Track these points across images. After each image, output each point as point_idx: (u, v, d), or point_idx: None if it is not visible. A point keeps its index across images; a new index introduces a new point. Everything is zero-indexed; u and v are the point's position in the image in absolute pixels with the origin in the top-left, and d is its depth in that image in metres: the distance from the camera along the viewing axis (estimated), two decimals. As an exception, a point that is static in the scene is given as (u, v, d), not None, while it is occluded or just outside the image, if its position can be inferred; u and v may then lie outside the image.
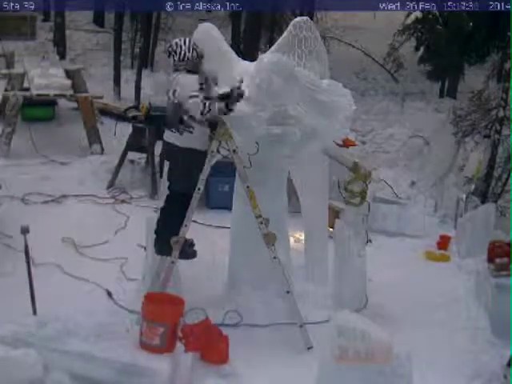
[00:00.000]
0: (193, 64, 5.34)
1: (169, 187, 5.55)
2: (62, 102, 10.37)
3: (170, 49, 5.39)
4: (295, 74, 5.47)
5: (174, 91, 5.24)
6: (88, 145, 9.36)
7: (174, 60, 5.36)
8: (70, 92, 9.50)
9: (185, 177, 5.29)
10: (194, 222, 6.01)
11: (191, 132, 5.31)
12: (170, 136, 5.43)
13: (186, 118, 5.27)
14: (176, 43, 5.37)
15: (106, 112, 10.49)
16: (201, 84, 5.21)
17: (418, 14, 11.98)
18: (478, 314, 5.90)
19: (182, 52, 5.32)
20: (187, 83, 5.18)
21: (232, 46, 6.23)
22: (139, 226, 6.19)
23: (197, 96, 5.08)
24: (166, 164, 5.64)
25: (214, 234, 7.07)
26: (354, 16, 17.60)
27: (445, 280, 6.67)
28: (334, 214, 6.74)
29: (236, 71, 5.77)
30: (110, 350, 4.34)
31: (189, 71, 5.30)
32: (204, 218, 7.25)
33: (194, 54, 5.36)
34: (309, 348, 5.20)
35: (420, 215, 8.04)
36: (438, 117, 11.45)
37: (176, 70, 5.35)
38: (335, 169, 6.79)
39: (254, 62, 5.69)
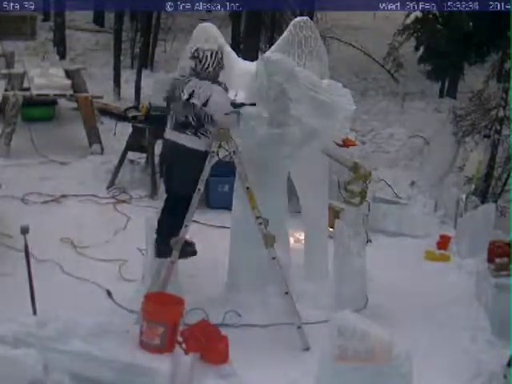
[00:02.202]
0: (213, 75, 5.42)
1: (171, 189, 5.54)
2: (61, 102, 10.38)
3: (195, 54, 5.41)
4: (295, 73, 5.47)
5: (207, 100, 5.26)
6: (88, 145, 9.36)
7: (196, 66, 5.39)
8: (70, 92, 9.51)
9: (197, 179, 5.29)
10: (195, 221, 6.03)
11: (208, 137, 5.34)
12: (183, 138, 5.40)
13: (206, 123, 5.33)
14: (204, 54, 5.38)
15: (106, 112, 10.49)
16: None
17: (418, 13, 11.98)
18: (478, 314, 5.89)
19: (207, 64, 5.37)
20: (224, 97, 5.31)
21: (232, 46, 6.23)
22: (139, 226, 6.20)
23: (237, 112, 5.27)
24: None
25: (215, 234, 7.07)
26: (353, 16, 17.62)
27: (445, 280, 6.67)
28: (334, 213, 6.74)
29: (236, 71, 5.78)
30: (110, 349, 4.34)
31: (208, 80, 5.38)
32: (204, 218, 7.25)
33: (217, 69, 5.43)
34: (305, 349, 5.20)
35: (420, 215, 8.03)
36: (438, 117, 11.46)
37: (195, 76, 5.38)
38: (335, 169, 6.80)
39: (254, 62, 5.70)
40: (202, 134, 5.35)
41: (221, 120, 5.26)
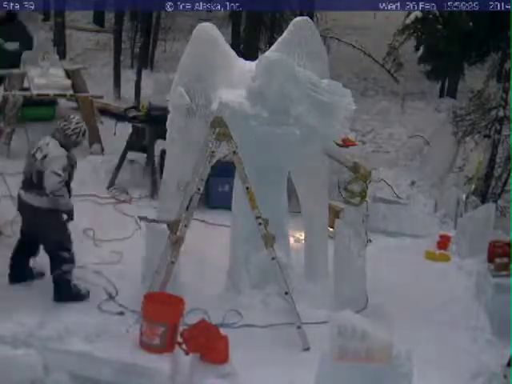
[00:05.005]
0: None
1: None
2: (62, 102, 10.37)
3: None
4: (295, 73, 5.47)
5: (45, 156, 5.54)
6: (88, 145, 9.35)
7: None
8: (70, 92, 9.49)
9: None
10: (196, 219, 6.03)
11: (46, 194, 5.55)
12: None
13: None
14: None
15: (105, 112, 10.48)
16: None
17: (418, 13, 11.96)
18: (478, 314, 5.90)
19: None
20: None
21: (232, 46, 6.23)
22: (139, 226, 6.20)
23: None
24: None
25: (215, 233, 7.06)
26: (353, 16, 17.61)
27: (445, 280, 6.67)
28: (334, 213, 6.74)
29: (236, 71, 5.78)
30: (110, 350, 4.35)
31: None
32: (204, 218, 7.25)
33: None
34: (305, 349, 5.20)
35: (420, 215, 8.03)
36: (438, 117, 11.45)
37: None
38: (335, 169, 6.81)
39: (254, 62, 5.70)
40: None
41: (47, 179, 5.43)
